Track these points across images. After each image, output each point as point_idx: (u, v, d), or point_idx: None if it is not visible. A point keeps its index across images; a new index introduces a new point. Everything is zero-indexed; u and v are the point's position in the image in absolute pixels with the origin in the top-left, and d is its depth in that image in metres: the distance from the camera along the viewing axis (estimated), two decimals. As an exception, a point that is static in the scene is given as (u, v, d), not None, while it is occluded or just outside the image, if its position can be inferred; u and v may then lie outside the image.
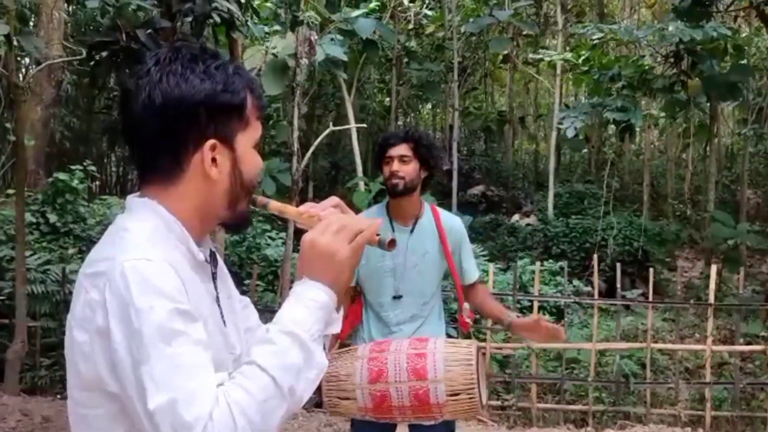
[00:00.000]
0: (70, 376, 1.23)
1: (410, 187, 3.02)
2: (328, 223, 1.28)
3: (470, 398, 2.76)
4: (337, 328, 1.34)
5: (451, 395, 2.76)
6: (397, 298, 3.05)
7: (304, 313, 1.22)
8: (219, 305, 1.34)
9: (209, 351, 1.17)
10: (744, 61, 9.44)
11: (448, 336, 3.30)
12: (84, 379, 1.20)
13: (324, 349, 1.41)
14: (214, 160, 1.27)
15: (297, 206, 1.40)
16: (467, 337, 3.80)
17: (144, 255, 1.17)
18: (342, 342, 3.14)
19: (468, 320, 3.20)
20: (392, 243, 1.31)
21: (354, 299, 3.17)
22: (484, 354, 2.91)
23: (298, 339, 1.20)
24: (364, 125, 11.01)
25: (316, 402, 5.79)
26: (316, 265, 1.26)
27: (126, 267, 1.15)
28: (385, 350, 2.86)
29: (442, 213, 3.17)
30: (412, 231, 3.08)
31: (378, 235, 1.30)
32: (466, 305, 3.18)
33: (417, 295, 3.06)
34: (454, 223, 3.17)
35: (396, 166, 2.99)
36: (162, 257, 1.18)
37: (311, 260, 1.26)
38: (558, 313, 7.56)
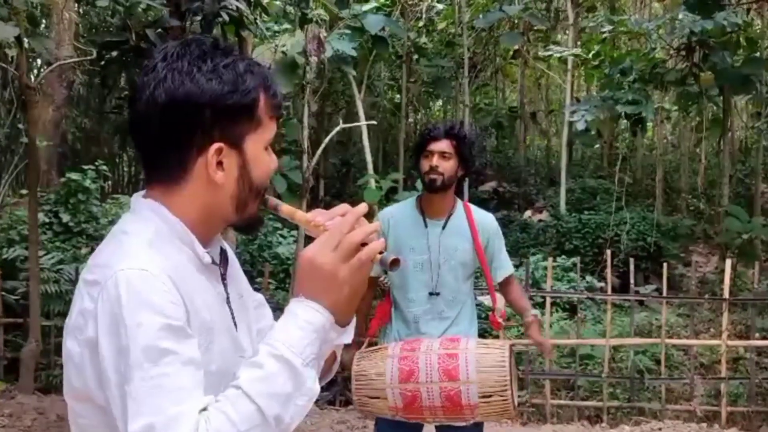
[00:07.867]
0: (65, 383, 1.20)
1: (448, 184, 2.99)
2: (328, 237, 1.18)
3: (503, 400, 2.74)
4: (347, 338, 1.26)
5: (483, 397, 2.74)
6: (434, 294, 3.00)
7: (297, 335, 1.14)
8: (230, 306, 1.29)
9: (200, 370, 1.11)
10: (757, 54, 9.34)
11: (480, 335, 3.27)
12: (75, 389, 1.16)
13: (347, 357, 1.34)
14: (220, 163, 1.19)
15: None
16: (498, 336, 3.76)
17: (140, 264, 1.12)
18: (370, 340, 3.12)
19: (500, 320, 3.15)
20: (395, 263, 1.20)
21: (383, 297, 3.15)
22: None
23: (288, 364, 1.11)
24: (375, 122, 10.97)
25: (329, 399, 5.79)
26: (313, 284, 1.17)
27: (119, 277, 1.10)
28: (416, 349, 2.83)
29: (474, 209, 3.13)
30: (444, 226, 3.04)
31: (381, 253, 1.18)
32: (498, 305, 3.15)
33: (446, 292, 3.02)
34: (486, 219, 3.14)
35: (436, 161, 2.95)
36: (161, 265, 1.13)
37: (309, 278, 1.17)
38: (571, 309, 7.52)
